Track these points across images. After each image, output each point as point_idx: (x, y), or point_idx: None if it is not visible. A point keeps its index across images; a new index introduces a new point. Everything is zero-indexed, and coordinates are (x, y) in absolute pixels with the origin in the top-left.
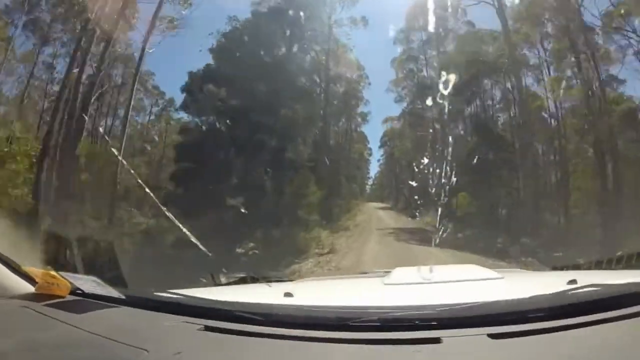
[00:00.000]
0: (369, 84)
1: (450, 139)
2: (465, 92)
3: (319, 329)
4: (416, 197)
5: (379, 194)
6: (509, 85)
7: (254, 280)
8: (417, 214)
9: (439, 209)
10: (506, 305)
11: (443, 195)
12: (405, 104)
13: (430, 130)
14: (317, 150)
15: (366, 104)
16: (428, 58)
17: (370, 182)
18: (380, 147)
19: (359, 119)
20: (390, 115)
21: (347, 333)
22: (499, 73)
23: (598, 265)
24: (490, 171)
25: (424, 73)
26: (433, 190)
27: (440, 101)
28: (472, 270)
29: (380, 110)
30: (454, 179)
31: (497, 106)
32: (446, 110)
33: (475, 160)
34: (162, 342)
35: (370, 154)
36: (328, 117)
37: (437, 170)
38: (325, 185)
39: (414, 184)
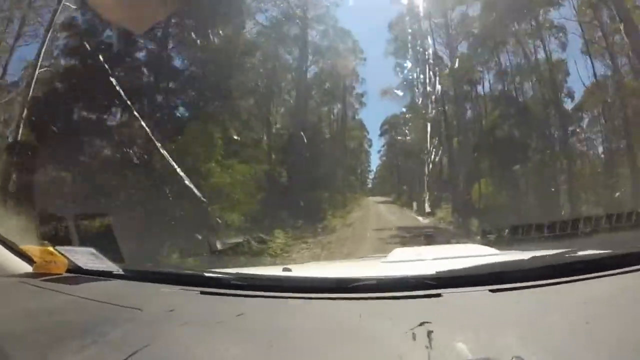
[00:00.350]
0: (364, 58)
1: (466, 110)
2: (482, 53)
3: (318, 292)
4: (425, 187)
5: (381, 187)
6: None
7: None
8: (427, 207)
9: (453, 201)
10: (507, 264)
11: (458, 183)
12: (407, 77)
13: (440, 109)
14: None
15: (362, 83)
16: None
17: (372, 175)
18: (380, 135)
19: (355, 104)
20: (390, 86)
21: (347, 294)
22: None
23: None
24: (518, 150)
25: (429, 40)
26: (444, 178)
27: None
28: (471, 248)
29: (378, 96)
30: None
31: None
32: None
33: (496, 138)
34: (156, 302)
35: (370, 145)
36: (305, 89)
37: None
38: (304, 174)
39: (426, 172)
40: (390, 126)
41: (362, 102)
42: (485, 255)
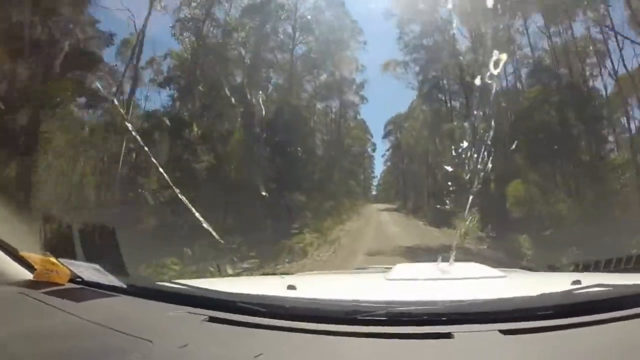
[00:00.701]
0: (364, 42)
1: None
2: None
3: (325, 322)
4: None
5: (385, 194)
6: None
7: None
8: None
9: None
10: (517, 302)
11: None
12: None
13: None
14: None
15: (362, 71)
16: None
17: (376, 181)
18: (384, 137)
19: (355, 99)
20: (394, 58)
21: (355, 327)
22: None
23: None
24: (564, 139)
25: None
26: (465, 179)
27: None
28: (474, 268)
29: (380, 96)
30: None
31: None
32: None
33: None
34: (167, 333)
35: (374, 149)
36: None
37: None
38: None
39: (449, 168)
40: (395, 126)
41: (362, 96)
42: (487, 278)
